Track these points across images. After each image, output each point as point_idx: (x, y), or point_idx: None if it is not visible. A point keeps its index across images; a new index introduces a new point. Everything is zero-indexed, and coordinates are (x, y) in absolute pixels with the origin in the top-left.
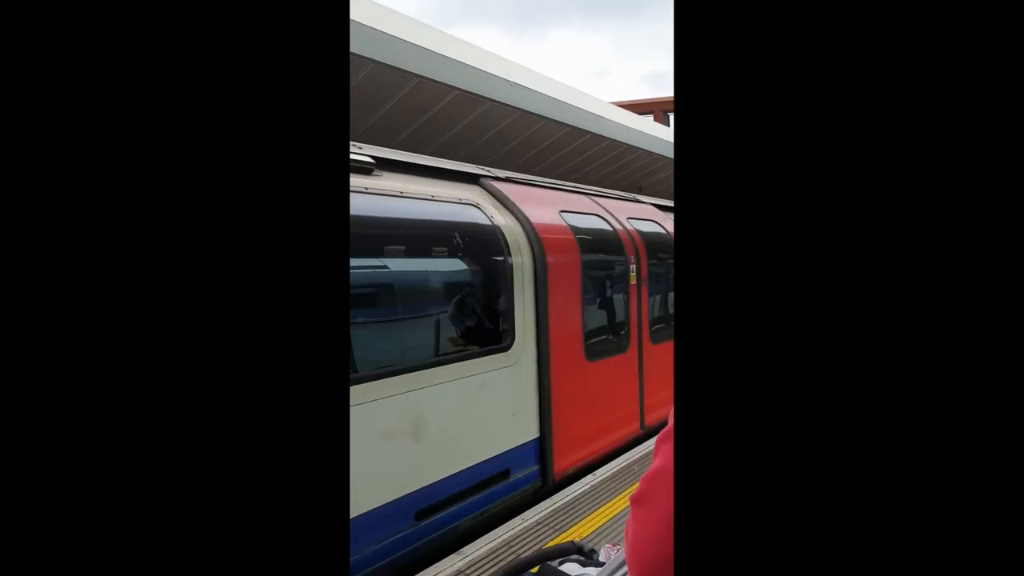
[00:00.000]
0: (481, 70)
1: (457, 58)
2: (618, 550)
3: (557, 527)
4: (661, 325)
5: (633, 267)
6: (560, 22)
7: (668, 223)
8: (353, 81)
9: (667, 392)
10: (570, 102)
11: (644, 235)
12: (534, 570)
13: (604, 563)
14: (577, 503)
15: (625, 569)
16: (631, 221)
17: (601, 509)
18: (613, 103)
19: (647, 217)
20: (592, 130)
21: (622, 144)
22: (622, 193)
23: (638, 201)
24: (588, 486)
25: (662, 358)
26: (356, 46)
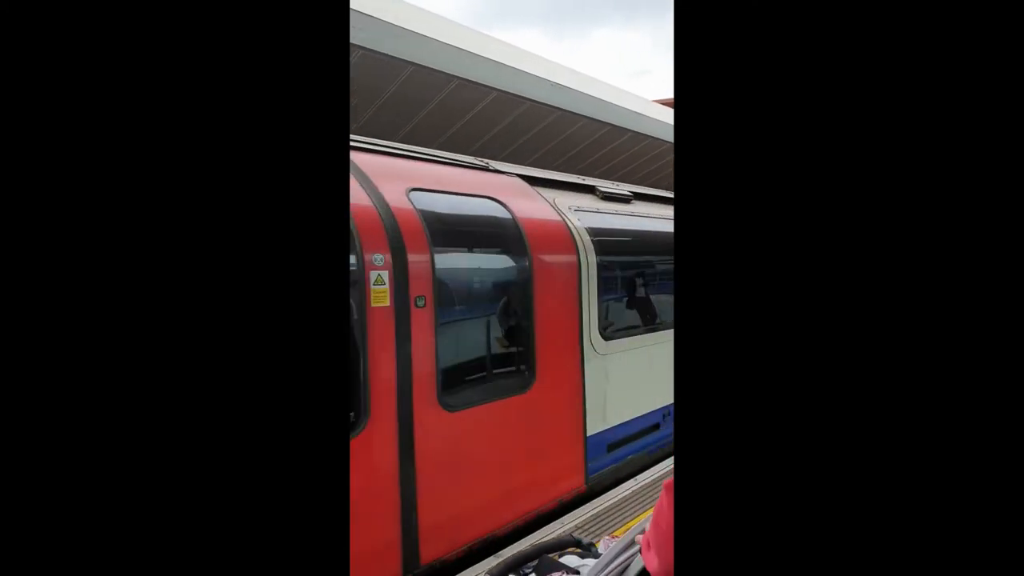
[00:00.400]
0: (521, 70)
1: (497, 59)
2: (616, 541)
3: (596, 532)
4: (475, 375)
5: (379, 275)
6: (599, 21)
7: (530, 204)
8: (394, 85)
9: (500, 485)
10: (611, 100)
11: (441, 222)
12: (534, 562)
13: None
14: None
15: (625, 556)
16: (417, 194)
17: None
18: (656, 101)
19: (475, 192)
20: (633, 128)
21: (664, 142)
22: (455, 156)
23: (488, 169)
24: (628, 491)
25: (486, 431)
26: (397, 49)
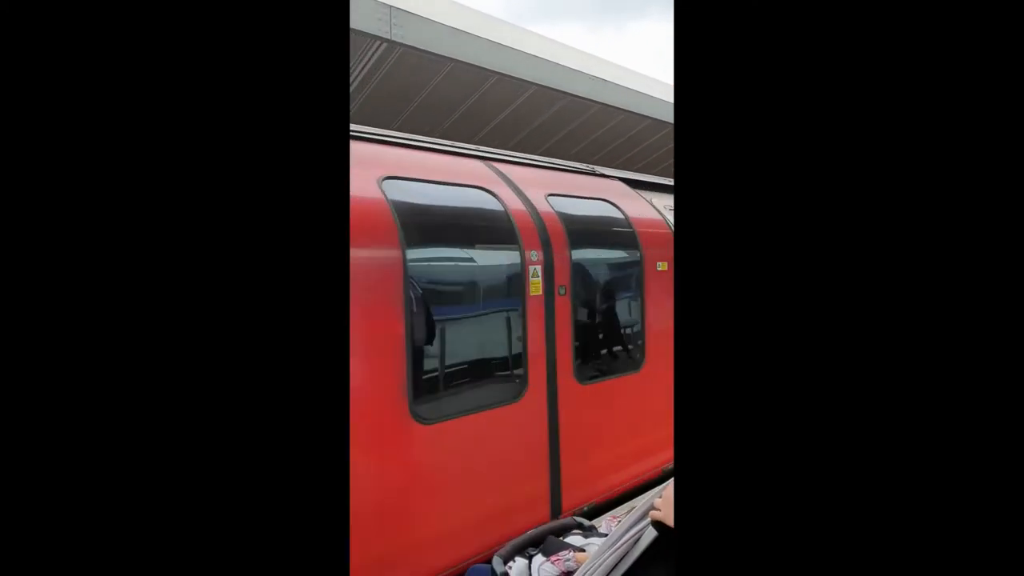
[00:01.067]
0: (559, 64)
1: (536, 54)
2: (628, 515)
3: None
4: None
5: None
6: (637, 14)
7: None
8: (434, 81)
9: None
10: (651, 93)
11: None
12: (540, 544)
13: (607, 534)
14: None
15: (637, 528)
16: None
17: None
18: None
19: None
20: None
21: None
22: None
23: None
24: None
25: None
26: (437, 46)
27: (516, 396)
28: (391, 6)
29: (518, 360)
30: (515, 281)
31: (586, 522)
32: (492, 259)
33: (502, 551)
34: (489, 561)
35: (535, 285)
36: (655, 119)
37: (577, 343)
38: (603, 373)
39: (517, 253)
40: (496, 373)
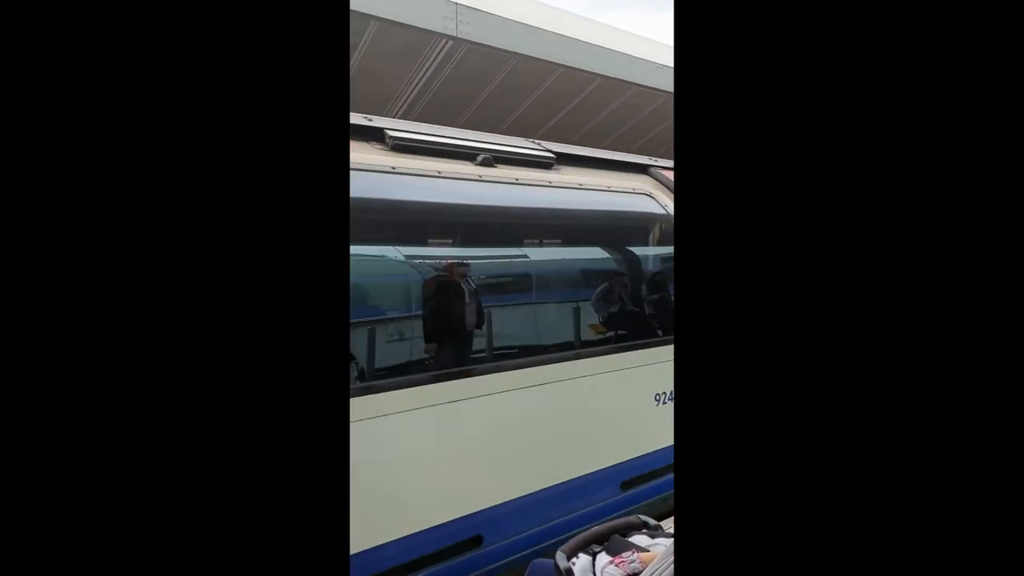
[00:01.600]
0: (625, 54)
1: (601, 44)
2: None
3: None
4: None
5: None
6: None
7: None
8: (499, 76)
9: None
10: None
11: None
12: (605, 542)
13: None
14: None
15: None
16: None
17: None
18: None
19: None
20: None
21: None
22: None
23: None
24: None
25: None
26: (502, 41)
27: None
28: (457, 3)
29: None
30: None
31: (652, 521)
32: None
33: (565, 547)
34: (552, 556)
35: None
36: None
37: None
38: None
39: None
40: None
